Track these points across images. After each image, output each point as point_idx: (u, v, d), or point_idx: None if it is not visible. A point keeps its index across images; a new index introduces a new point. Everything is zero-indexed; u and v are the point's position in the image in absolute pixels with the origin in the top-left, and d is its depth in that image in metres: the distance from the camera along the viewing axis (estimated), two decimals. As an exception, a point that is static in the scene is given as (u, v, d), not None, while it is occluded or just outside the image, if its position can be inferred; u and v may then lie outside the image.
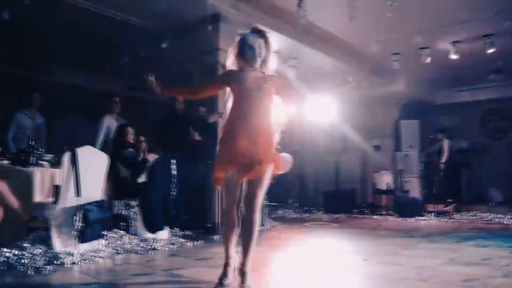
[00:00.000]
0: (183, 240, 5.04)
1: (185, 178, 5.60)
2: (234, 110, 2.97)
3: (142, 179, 5.22)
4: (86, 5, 5.74)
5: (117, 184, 5.01)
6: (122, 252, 4.26)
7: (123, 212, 4.98)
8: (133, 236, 4.76)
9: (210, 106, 5.99)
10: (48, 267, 3.46)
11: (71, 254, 3.78)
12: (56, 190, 3.96)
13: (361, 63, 8.54)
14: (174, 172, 5.37)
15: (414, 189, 9.60)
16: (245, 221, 2.89)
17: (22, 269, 3.39)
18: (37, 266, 3.46)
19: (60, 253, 3.75)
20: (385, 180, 9.56)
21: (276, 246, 5.05)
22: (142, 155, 5.39)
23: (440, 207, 9.05)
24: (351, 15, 4.98)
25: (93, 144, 5.50)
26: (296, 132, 7.93)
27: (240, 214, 2.93)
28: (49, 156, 4.71)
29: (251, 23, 3.15)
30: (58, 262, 3.61)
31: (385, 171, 9.76)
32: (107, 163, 4.44)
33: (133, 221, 4.93)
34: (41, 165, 4.43)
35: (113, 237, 4.55)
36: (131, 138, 5.21)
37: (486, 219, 7.88)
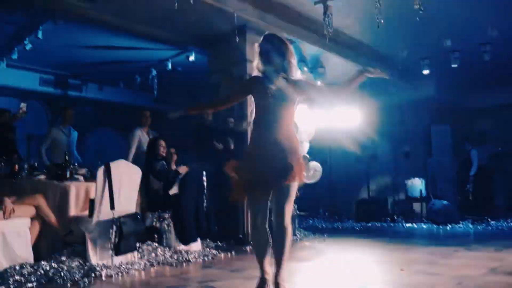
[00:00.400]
0: (216, 251, 5.05)
1: (216, 189, 5.62)
2: (256, 119, 2.96)
3: (173, 191, 5.26)
4: (115, 22, 5.88)
5: (150, 196, 5.07)
6: (156, 264, 4.30)
7: (156, 224, 5.01)
8: (166, 248, 4.78)
9: (239, 114, 6.04)
10: (86, 280, 3.52)
11: (107, 267, 3.84)
12: (91, 204, 4.03)
13: (389, 68, 8.43)
14: (205, 183, 5.41)
15: (448, 195, 9.35)
16: (276, 233, 2.87)
17: (61, 282, 3.45)
18: (75, 279, 3.52)
19: (96, 266, 3.80)
20: (417, 187, 9.36)
21: (308, 256, 4.98)
22: (173, 167, 5.44)
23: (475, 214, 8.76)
24: (379, 22, 4.93)
25: (124, 157, 5.59)
26: (325, 141, 7.85)
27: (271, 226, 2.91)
28: (83, 170, 4.81)
29: (278, 33, 3.12)
30: (95, 275, 3.66)
31: (417, 178, 9.55)
32: (140, 176, 4.50)
33: (166, 233, 4.96)
34: (76, 179, 4.52)
35: (147, 249, 4.59)
36: (163, 151, 5.27)
37: (526, 225, 7.61)
